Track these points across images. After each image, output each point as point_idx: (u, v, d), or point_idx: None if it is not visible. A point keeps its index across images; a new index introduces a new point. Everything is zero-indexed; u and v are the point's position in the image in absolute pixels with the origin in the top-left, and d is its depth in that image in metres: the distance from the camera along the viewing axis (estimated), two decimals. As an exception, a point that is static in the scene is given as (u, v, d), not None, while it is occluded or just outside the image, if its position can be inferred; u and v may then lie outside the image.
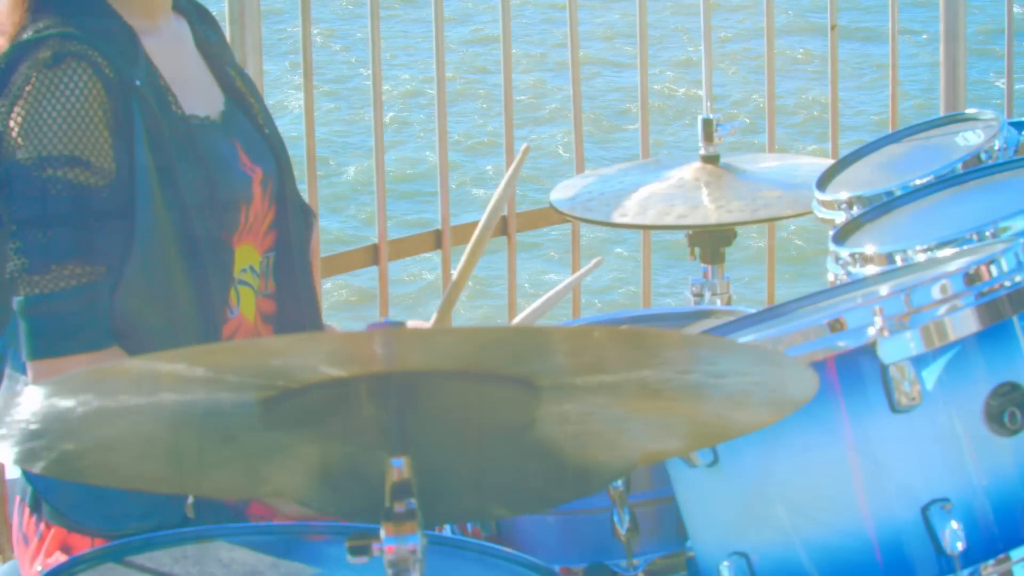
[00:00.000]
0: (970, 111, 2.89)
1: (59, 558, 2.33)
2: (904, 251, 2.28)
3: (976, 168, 2.56)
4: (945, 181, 2.56)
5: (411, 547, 1.58)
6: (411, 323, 2.49)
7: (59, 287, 2.26)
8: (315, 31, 3.75)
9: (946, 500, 1.90)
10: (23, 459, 1.66)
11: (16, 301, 2.28)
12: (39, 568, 2.35)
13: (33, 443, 1.61)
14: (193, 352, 1.47)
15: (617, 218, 3.32)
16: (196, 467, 1.69)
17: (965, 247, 2.20)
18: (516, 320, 2.95)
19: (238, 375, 1.52)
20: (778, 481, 1.95)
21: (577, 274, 3.05)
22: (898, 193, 2.57)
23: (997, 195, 2.47)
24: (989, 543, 1.92)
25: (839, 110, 4.60)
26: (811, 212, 2.77)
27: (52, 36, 2.29)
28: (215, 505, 2.36)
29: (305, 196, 2.72)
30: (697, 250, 3.49)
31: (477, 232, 2.69)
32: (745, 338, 2.02)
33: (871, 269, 2.30)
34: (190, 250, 2.34)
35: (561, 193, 3.49)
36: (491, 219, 2.68)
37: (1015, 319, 1.96)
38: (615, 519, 2.28)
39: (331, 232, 8.56)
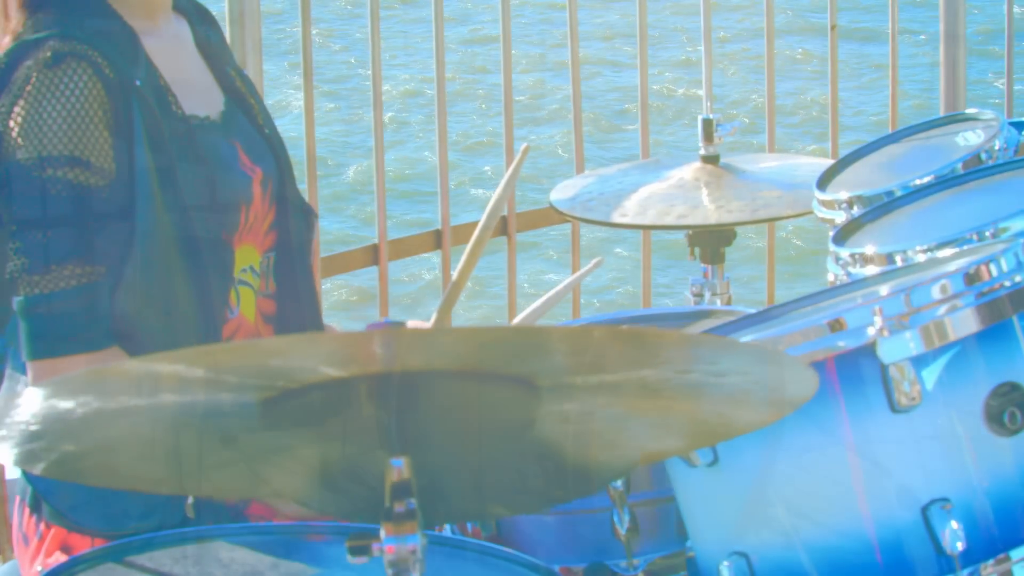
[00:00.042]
0: (970, 111, 2.89)
1: (59, 558, 2.33)
2: (904, 251, 2.28)
3: (976, 168, 2.56)
4: (945, 181, 2.56)
5: (411, 547, 1.58)
6: (411, 323, 2.50)
7: (59, 287, 2.26)
8: (314, 31, 3.75)
9: (946, 500, 1.90)
10: (23, 460, 1.66)
11: (16, 301, 2.28)
12: (39, 568, 2.35)
13: (33, 444, 1.61)
14: (193, 353, 1.47)
15: (617, 218, 3.32)
16: (196, 468, 1.69)
17: (965, 247, 2.20)
18: (516, 320, 2.95)
19: (238, 375, 1.52)
20: (778, 481, 1.95)
21: (577, 274, 3.05)
22: (898, 193, 2.57)
23: (997, 195, 2.47)
24: (989, 543, 1.92)
25: (839, 110, 4.60)
26: (811, 212, 2.77)
27: (52, 36, 2.29)
28: (215, 505, 2.36)
29: (305, 196, 2.72)
30: (697, 250, 3.49)
31: (477, 232, 2.69)
32: (745, 338, 2.02)
33: (871, 269, 2.30)
34: (190, 250, 2.33)
35: (561, 193, 3.49)
36: (491, 219, 2.68)
37: (1015, 319, 1.96)
38: (615, 519, 2.28)
39: (331, 232, 8.56)
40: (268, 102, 2.72)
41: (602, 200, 3.39)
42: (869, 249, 2.33)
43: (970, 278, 1.92)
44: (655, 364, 1.54)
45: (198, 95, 2.45)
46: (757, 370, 1.61)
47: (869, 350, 1.90)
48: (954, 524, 1.89)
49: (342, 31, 12.88)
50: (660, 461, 2.15)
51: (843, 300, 2.16)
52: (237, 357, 1.51)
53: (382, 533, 1.58)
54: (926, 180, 2.58)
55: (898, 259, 2.28)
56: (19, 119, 2.27)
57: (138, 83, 2.32)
